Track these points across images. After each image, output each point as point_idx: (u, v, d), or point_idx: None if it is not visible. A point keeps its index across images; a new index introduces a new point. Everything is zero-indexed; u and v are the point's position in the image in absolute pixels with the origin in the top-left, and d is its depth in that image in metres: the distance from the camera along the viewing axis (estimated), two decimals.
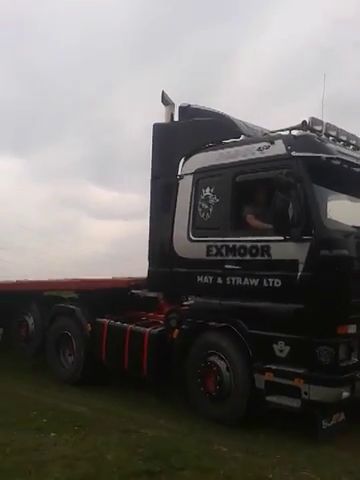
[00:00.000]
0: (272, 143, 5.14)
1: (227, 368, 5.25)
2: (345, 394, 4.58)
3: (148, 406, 6.00)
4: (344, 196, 5.61)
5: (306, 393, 4.59)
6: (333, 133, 5.35)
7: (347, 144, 5.59)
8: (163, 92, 6.50)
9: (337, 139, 5.43)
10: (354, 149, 5.64)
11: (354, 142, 5.68)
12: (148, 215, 6.42)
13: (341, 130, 5.48)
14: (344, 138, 5.51)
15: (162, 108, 6.53)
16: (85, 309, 7.13)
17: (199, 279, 5.67)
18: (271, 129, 5.87)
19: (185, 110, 6.29)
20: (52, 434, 4.80)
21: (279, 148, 5.06)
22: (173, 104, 6.50)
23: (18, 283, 8.53)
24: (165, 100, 6.52)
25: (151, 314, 6.94)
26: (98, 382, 6.82)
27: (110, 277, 7.83)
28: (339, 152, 4.97)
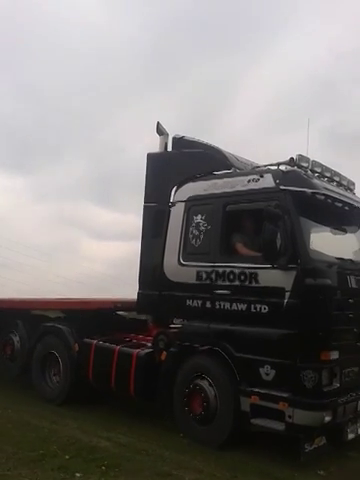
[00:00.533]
0: (262, 176, 5.45)
1: (214, 391, 5.41)
2: (327, 418, 4.78)
3: (174, 441, 5.59)
4: (327, 229, 5.93)
5: (290, 417, 4.77)
6: (318, 169, 5.71)
7: (331, 180, 5.95)
8: (158, 123, 6.79)
9: (322, 175, 5.79)
10: (337, 185, 6.01)
11: (337, 179, 6.06)
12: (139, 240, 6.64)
13: (326, 167, 5.84)
14: (328, 175, 5.88)
15: (157, 138, 6.83)
16: (72, 329, 7.22)
17: (188, 303, 5.86)
18: (261, 163, 6.21)
19: (179, 141, 6.58)
20: (77, 474, 4.46)
21: (268, 181, 5.36)
22: (167, 134, 6.78)
23: (4, 301, 8.57)
24: (160, 130, 6.80)
25: (138, 336, 7.08)
26: (83, 402, 6.90)
27: (98, 298, 7.97)
28: (324, 188, 5.29)
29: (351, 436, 5.21)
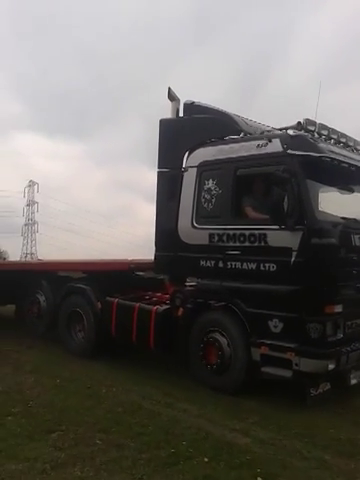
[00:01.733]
0: (270, 141, 5.66)
1: (227, 343, 5.88)
2: (331, 366, 5.19)
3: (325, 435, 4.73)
4: (334, 190, 6.18)
5: (297, 365, 5.21)
6: (325, 132, 5.89)
7: (338, 142, 6.14)
8: (169, 89, 6.96)
9: (329, 137, 5.97)
10: (344, 147, 6.20)
11: (344, 140, 6.22)
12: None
13: (332, 129, 6.01)
14: (335, 136, 6.05)
15: (169, 104, 7.01)
16: (95, 288, 7.73)
17: (202, 263, 6.25)
18: (272, 126, 6.40)
19: (189, 107, 6.77)
20: None
21: (276, 146, 5.59)
22: (179, 100, 6.96)
23: (30, 263, 9.12)
24: (171, 96, 6.98)
25: (157, 294, 7.55)
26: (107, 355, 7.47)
27: (116, 259, 8.43)
28: (330, 151, 5.50)
29: (354, 381, 5.63)
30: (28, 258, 53.70)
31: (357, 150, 6.52)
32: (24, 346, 8.18)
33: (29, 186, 65.83)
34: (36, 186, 65.25)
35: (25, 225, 66.48)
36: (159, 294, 7.48)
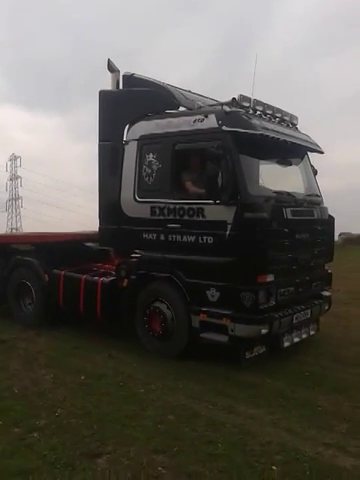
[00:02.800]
0: (206, 117, 5.80)
1: (170, 312, 6.18)
2: (264, 331, 5.58)
3: None
4: (268, 165, 6.45)
5: (232, 330, 5.58)
6: (260, 108, 6.08)
7: (274, 117, 6.34)
8: (109, 60, 6.90)
9: (264, 113, 6.16)
10: (279, 122, 6.41)
11: (280, 115, 6.44)
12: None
13: (268, 105, 6.20)
14: (270, 112, 6.25)
15: (109, 75, 6.97)
16: (42, 261, 7.82)
17: (144, 236, 6.43)
18: (217, 100, 6.49)
19: (129, 79, 6.77)
20: None
21: (212, 122, 5.73)
22: (118, 71, 6.94)
23: None
24: (111, 67, 6.94)
25: (105, 265, 7.72)
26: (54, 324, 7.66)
27: (63, 232, 8.50)
28: (263, 127, 5.69)
29: (287, 344, 6.10)
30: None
31: (293, 125, 6.77)
32: (30, 333, 7.37)
33: (11, 160, 63.11)
34: (18, 160, 62.54)
35: (8, 200, 64.47)
36: (107, 266, 7.66)
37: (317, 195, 6.92)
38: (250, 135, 5.54)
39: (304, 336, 6.46)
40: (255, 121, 5.70)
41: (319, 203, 6.84)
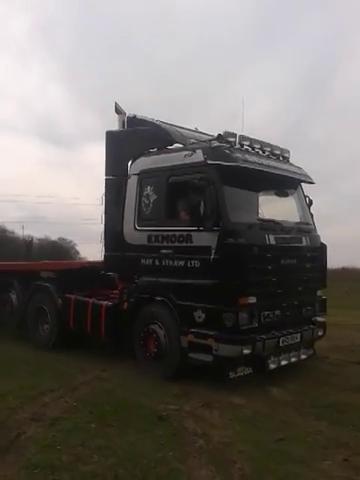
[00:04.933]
0: (194, 152, 6.35)
1: (163, 333, 6.57)
2: (246, 351, 5.84)
3: None
4: (252, 195, 6.86)
5: (216, 350, 5.88)
6: (246, 143, 6.55)
7: (262, 151, 6.79)
8: (116, 103, 7.67)
9: (251, 147, 6.63)
10: (268, 155, 6.85)
11: (269, 149, 6.88)
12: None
13: (254, 140, 6.67)
14: (258, 146, 6.71)
15: (116, 117, 7.73)
16: (57, 286, 8.47)
17: (143, 261, 6.95)
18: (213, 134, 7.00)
19: (132, 120, 7.50)
20: None
21: (199, 156, 6.27)
22: (124, 113, 7.68)
23: (2, 265, 9.92)
24: (118, 110, 7.70)
25: (113, 291, 8.25)
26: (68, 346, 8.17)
27: (73, 261, 9.19)
28: (244, 160, 6.15)
29: (273, 366, 6.29)
30: None
31: (284, 158, 7.18)
32: (193, 402, 5.63)
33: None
34: None
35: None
36: (116, 291, 8.19)
37: (307, 223, 7.22)
38: (233, 167, 6.01)
39: (293, 360, 6.63)
40: (237, 154, 6.17)
41: (309, 231, 7.13)
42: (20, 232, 45.73)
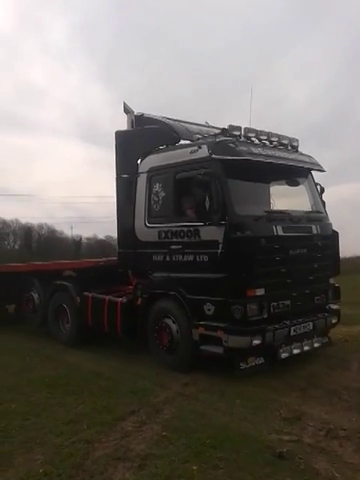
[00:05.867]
0: (200, 147, 6.42)
1: (176, 327, 6.69)
2: (255, 342, 5.90)
3: None
4: (259, 186, 6.89)
5: (226, 341, 5.97)
6: (252, 135, 6.58)
7: (270, 142, 6.81)
8: (124, 103, 7.82)
9: (258, 139, 6.66)
10: (276, 145, 6.86)
11: (276, 139, 6.89)
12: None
13: (260, 131, 6.69)
14: (264, 137, 6.73)
15: (125, 117, 7.88)
16: (76, 285, 8.70)
17: (154, 257, 7.08)
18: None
19: (139, 118, 7.63)
20: None
21: (204, 152, 6.34)
22: (133, 112, 7.81)
23: (21, 266, 10.32)
24: (126, 109, 7.84)
25: (129, 287, 8.42)
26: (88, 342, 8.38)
27: (89, 259, 9.45)
28: (249, 153, 6.18)
29: (285, 355, 6.32)
30: None
31: (293, 147, 7.17)
32: (314, 430, 4.63)
33: None
34: None
35: None
36: (131, 287, 8.35)
37: (319, 212, 7.20)
38: (237, 161, 6.06)
39: (306, 348, 6.63)
40: (242, 148, 6.21)
41: (320, 219, 7.10)
42: (69, 232, 47.21)
